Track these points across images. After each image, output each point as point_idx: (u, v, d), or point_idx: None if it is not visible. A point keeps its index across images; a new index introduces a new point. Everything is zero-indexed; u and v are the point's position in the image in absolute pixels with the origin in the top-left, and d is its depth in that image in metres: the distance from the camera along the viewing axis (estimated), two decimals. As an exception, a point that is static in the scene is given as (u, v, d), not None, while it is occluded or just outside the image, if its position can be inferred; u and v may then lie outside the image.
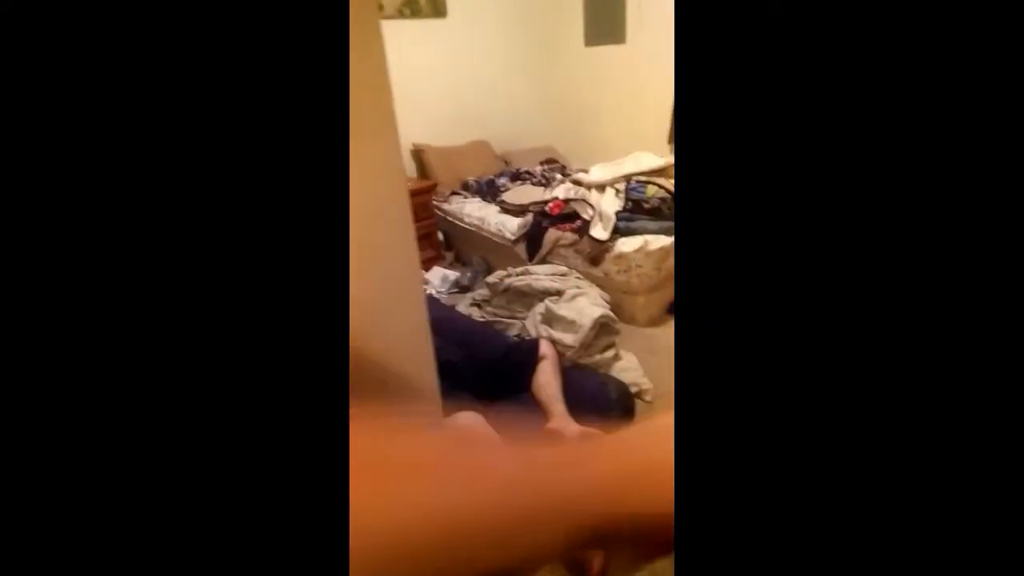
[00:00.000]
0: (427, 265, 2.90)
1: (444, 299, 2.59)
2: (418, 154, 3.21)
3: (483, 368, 1.79)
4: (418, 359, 0.68)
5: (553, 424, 1.60)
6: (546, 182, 2.84)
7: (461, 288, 2.67)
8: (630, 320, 2.23)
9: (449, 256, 3.07)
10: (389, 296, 0.60)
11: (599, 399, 1.66)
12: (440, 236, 3.05)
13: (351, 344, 0.37)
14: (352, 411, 0.31)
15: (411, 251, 0.60)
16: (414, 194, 2.84)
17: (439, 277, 2.78)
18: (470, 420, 1.62)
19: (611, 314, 1.91)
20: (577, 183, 2.50)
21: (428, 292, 2.62)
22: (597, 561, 1.10)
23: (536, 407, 1.70)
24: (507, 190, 2.88)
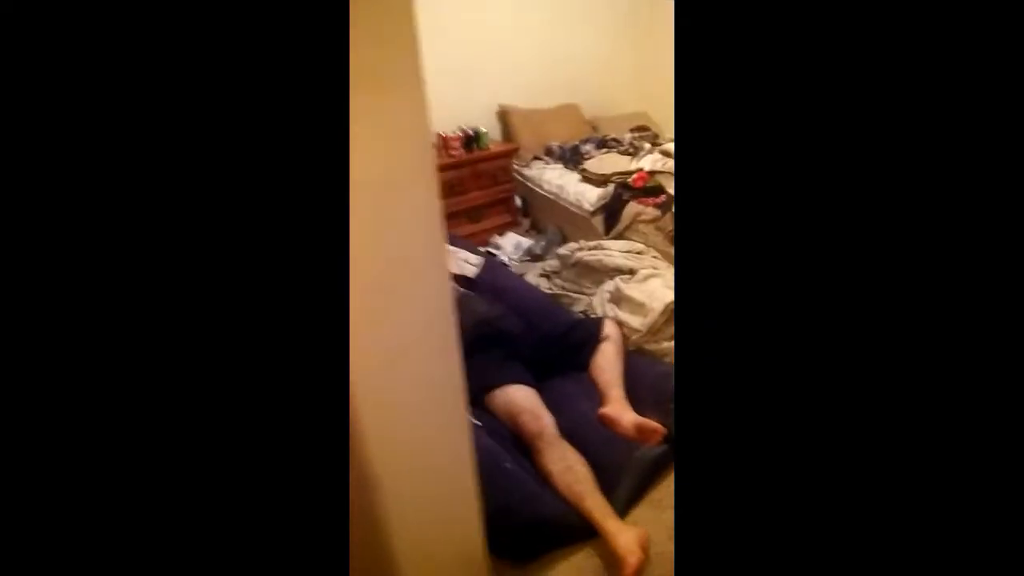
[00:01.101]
0: (502, 230, 2.86)
1: (515, 267, 2.55)
2: (503, 115, 3.13)
3: (543, 343, 1.74)
4: (438, 340, 0.64)
5: (608, 410, 1.52)
6: (633, 151, 2.67)
7: (533, 257, 2.62)
8: (708, 308, 2.07)
9: (525, 223, 3.01)
10: (406, 270, 0.56)
11: (660, 390, 1.56)
12: (518, 201, 2.98)
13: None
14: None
15: (433, 221, 0.55)
16: (495, 157, 2.79)
17: (512, 243, 2.73)
18: (521, 395, 1.59)
19: (685, 300, 1.77)
20: (666, 154, 2.31)
21: (499, 259, 2.59)
22: (634, 559, 1.03)
23: (593, 389, 1.64)
24: (591, 158, 2.74)
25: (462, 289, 1.92)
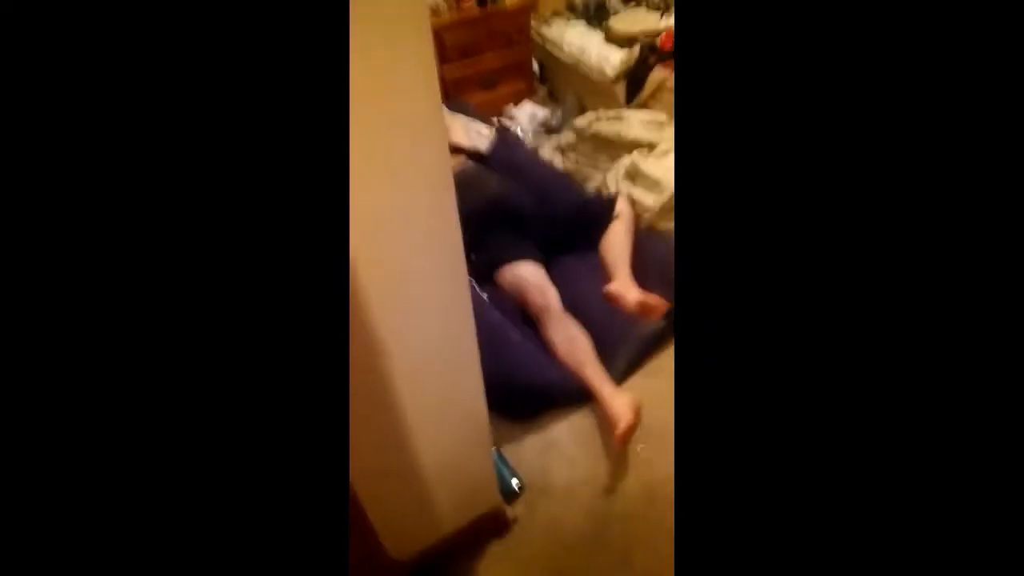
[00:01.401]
0: (517, 97, 2.69)
1: (528, 140, 2.44)
2: (522, -38, 2.77)
3: (553, 221, 1.73)
4: (438, 204, 0.63)
5: (613, 287, 1.56)
6: (665, 7, 2.38)
7: (548, 129, 2.49)
8: (728, 186, 1.99)
9: (542, 90, 2.81)
10: (405, 132, 0.54)
11: (667, 267, 1.57)
12: (536, 66, 2.76)
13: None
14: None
15: (431, 82, 0.52)
16: (512, 13, 2.53)
17: (527, 114, 2.59)
18: (529, 271, 1.63)
19: (703, 178, 1.70)
20: (701, 10, 2.06)
21: (513, 131, 2.48)
22: (624, 422, 1.14)
23: (600, 265, 1.66)
24: (617, 13, 2.46)
25: (474, 163, 1.87)
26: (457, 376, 0.89)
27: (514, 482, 1.23)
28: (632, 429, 1.22)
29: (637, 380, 1.43)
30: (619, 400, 1.27)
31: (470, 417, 0.96)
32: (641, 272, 1.58)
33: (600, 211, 1.71)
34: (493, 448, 1.12)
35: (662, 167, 1.73)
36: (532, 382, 1.35)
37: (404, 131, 0.55)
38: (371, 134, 0.52)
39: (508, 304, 1.56)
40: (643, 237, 1.68)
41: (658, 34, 2.13)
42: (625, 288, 1.53)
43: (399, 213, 0.61)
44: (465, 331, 0.83)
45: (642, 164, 1.76)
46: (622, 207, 1.70)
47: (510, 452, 1.29)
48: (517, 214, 1.70)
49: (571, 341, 1.42)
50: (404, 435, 0.85)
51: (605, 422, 1.28)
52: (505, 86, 2.69)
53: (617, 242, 1.66)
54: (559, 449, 1.31)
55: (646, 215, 1.71)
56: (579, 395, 1.36)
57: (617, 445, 1.23)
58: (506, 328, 1.45)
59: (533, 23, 2.67)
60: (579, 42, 2.48)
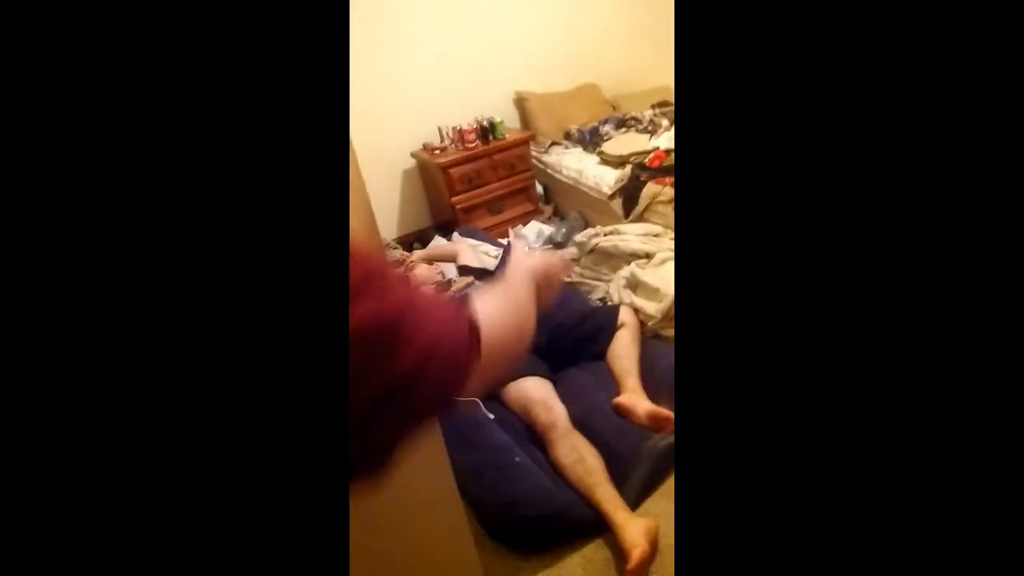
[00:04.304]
0: (524, 219, 2.85)
1: (536, 256, 2.53)
2: (520, 102, 3.09)
3: (557, 332, 1.73)
4: None
5: (623, 399, 1.50)
6: (653, 129, 2.58)
7: (554, 244, 2.59)
8: (734, 288, 1.98)
9: (548, 210, 2.98)
10: None
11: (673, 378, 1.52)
12: (539, 189, 2.96)
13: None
14: None
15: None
16: (512, 145, 2.77)
17: (534, 232, 2.72)
18: (534, 386, 1.59)
19: (702, 283, 1.71)
20: (684, 130, 2.22)
21: (523, 247, 2.58)
22: (638, 552, 1.03)
23: (609, 378, 1.61)
24: (609, 139, 2.67)
25: (480, 282, 1.93)
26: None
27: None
28: (648, 560, 1.10)
29: (653, 503, 1.32)
30: (633, 527, 1.16)
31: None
32: (650, 383, 1.53)
33: (605, 321, 1.70)
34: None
35: (660, 275, 1.75)
36: (538, 511, 1.26)
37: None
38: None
39: (516, 423, 1.51)
40: (649, 345, 1.65)
41: (647, 154, 2.28)
42: (636, 400, 1.48)
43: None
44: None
45: (641, 274, 1.79)
46: (626, 316, 1.70)
47: (518, 594, 1.16)
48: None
49: (581, 462, 1.34)
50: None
51: (621, 553, 1.16)
52: (512, 209, 2.87)
53: (624, 352, 1.63)
54: (573, 589, 1.18)
55: (650, 323, 1.70)
56: (591, 524, 1.26)
57: (632, 580, 1.10)
58: (510, 451, 1.39)
59: (533, 152, 2.91)
60: (576, 165, 2.67)
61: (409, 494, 0.77)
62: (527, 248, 2.59)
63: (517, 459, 1.36)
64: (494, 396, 1.57)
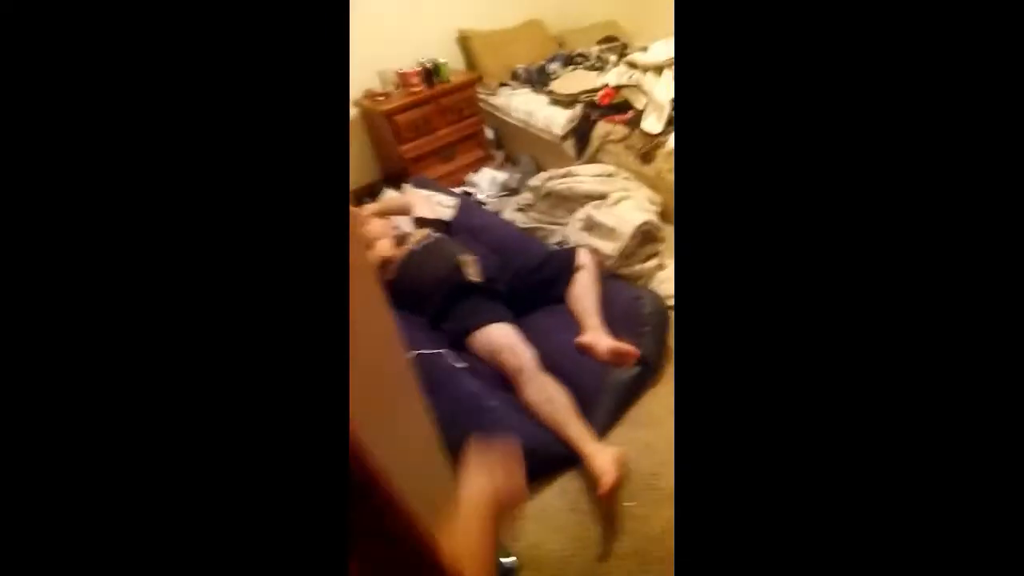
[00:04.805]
0: (475, 166, 2.79)
1: (492, 203, 2.51)
2: (463, 41, 2.95)
3: (518, 278, 1.75)
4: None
5: (586, 338, 1.56)
6: (601, 66, 2.53)
7: (509, 191, 2.57)
8: (685, 223, 2.04)
9: (499, 156, 2.92)
10: None
11: (633, 314, 1.58)
12: (490, 134, 2.89)
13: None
14: None
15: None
16: (457, 88, 2.67)
17: (488, 179, 2.68)
18: (500, 333, 1.62)
19: (655, 220, 1.75)
20: (632, 65, 2.19)
21: (475, 197, 2.55)
22: (607, 479, 1.10)
23: (571, 319, 1.66)
24: (557, 77, 2.61)
25: (437, 234, 1.91)
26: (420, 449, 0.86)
27: (507, 561, 1.17)
28: (616, 485, 1.18)
29: (621, 432, 1.41)
30: (601, 456, 1.24)
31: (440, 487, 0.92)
32: (610, 320, 1.59)
33: (563, 264, 1.73)
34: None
35: (616, 215, 1.77)
36: (513, 450, 1.32)
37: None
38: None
39: (487, 370, 1.55)
40: (607, 284, 1.70)
41: (597, 91, 2.25)
42: (597, 338, 1.53)
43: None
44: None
45: (596, 214, 1.81)
46: (584, 258, 1.73)
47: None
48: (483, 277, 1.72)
49: (550, 401, 1.40)
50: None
51: (592, 481, 1.24)
52: (463, 156, 2.80)
53: (583, 293, 1.68)
54: (550, 517, 1.26)
55: (607, 262, 1.74)
56: (565, 458, 1.33)
57: (604, 504, 1.18)
58: (483, 397, 1.43)
59: (480, 94, 2.82)
60: (526, 107, 2.61)
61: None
62: (482, 197, 2.56)
63: (492, 403, 1.41)
64: (463, 346, 1.59)
